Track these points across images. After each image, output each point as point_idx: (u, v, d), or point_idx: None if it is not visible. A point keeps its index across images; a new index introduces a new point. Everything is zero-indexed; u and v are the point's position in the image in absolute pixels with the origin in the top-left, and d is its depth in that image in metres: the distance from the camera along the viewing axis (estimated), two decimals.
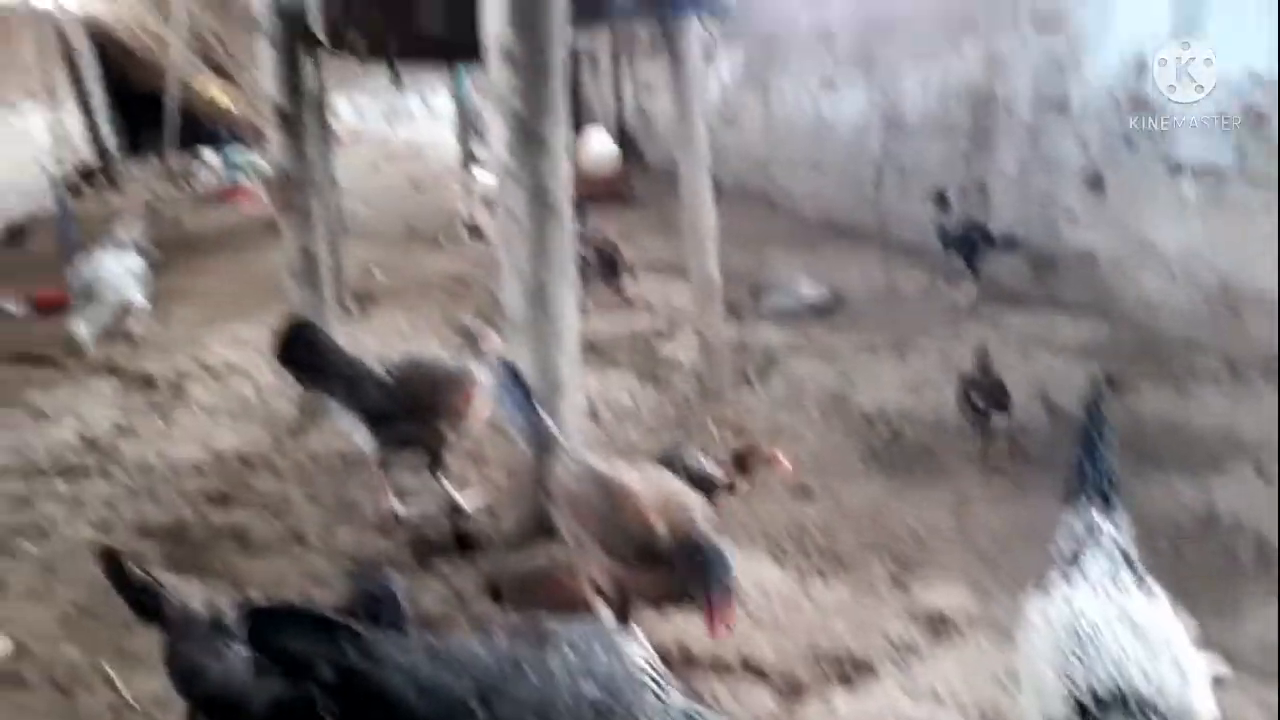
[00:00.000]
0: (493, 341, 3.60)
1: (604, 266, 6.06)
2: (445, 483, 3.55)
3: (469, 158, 9.40)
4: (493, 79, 2.94)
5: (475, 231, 8.23)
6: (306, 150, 4.30)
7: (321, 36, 3.79)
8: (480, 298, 6.35)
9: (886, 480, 3.90)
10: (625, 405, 4.65)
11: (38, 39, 10.87)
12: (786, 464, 3.19)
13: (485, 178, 9.60)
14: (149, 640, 2.66)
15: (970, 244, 5.76)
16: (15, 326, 6.01)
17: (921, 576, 3.21)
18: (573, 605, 2.79)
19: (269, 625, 1.78)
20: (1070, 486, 2.26)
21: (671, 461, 3.08)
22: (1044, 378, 4.63)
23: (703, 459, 3.20)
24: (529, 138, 2.89)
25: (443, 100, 8.68)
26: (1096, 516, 2.15)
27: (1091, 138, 5.53)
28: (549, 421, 2.76)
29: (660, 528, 2.43)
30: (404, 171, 10.14)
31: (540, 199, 2.93)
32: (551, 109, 2.90)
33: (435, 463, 3.57)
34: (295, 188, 4.29)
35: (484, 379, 3.55)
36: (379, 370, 3.50)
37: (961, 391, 4.02)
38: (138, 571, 2.29)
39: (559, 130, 2.95)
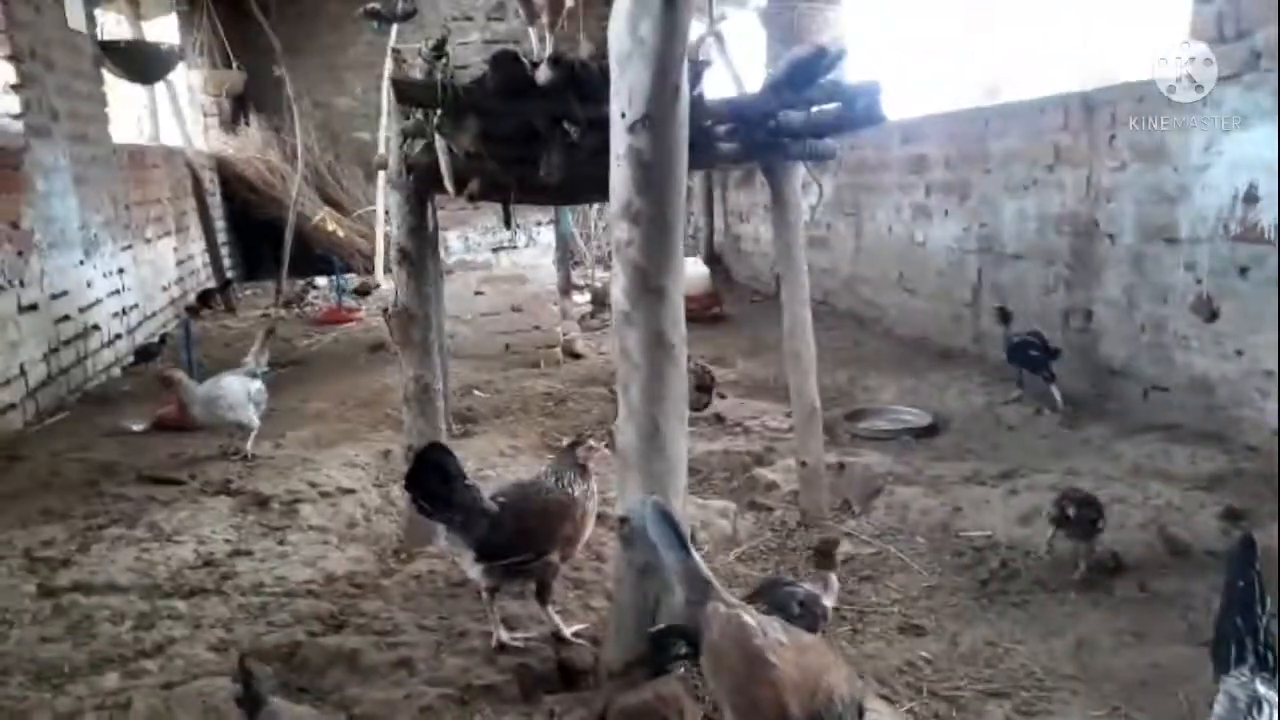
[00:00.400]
0: (600, 455, 3.64)
1: (696, 389, 6.12)
2: (552, 612, 3.56)
3: (568, 284, 9.72)
4: (615, 234, 3.07)
5: (572, 354, 8.43)
6: (426, 288, 4.51)
7: (449, 187, 4.02)
8: (578, 417, 6.45)
9: (1000, 618, 3.78)
10: (725, 531, 4.63)
11: (170, 173, 11.78)
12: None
13: (581, 302, 9.92)
14: None
15: (1028, 354, 6.08)
16: (140, 446, 6.30)
17: None
18: None
19: None
20: (1220, 648, 2.12)
21: (776, 588, 3.04)
22: (1160, 510, 4.46)
23: (810, 586, 3.17)
24: (648, 288, 2.99)
25: (545, 232, 9.04)
26: (1262, 689, 2.00)
27: (1202, 265, 5.45)
28: (703, 564, 2.71)
29: (795, 712, 2.30)
30: (505, 295, 10.52)
31: (657, 342, 3.01)
32: (671, 261, 3.01)
33: (543, 592, 3.59)
34: (414, 322, 4.49)
35: (591, 502, 3.60)
36: (490, 503, 3.55)
37: (1055, 503, 4.04)
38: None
39: (677, 281, 3.05)
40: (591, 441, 3.73)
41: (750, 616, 2.53)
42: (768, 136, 4.37)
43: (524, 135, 3.97)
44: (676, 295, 3.10)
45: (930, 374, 7.26)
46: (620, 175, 3.03)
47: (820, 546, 3.46)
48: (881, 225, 9.20)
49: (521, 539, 3.48)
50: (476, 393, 7.41)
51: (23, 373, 6.97)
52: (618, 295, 3.10)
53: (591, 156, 3.83)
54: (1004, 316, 6.31)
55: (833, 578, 3.35)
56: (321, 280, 12.77)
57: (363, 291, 11.97)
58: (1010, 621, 3.74)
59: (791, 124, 4.29)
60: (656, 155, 2.95)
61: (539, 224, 8.94)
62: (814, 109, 4.27)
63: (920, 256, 8.50)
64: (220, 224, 13.91)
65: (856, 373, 7.19)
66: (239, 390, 5.94)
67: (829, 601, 3.23)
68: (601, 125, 3.58)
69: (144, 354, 8.67)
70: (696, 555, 2.71)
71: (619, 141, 3.01)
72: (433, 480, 3.50)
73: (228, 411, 5.89)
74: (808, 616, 3.01)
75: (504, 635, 3.53)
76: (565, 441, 3.76)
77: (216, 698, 3.19)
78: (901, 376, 7.22)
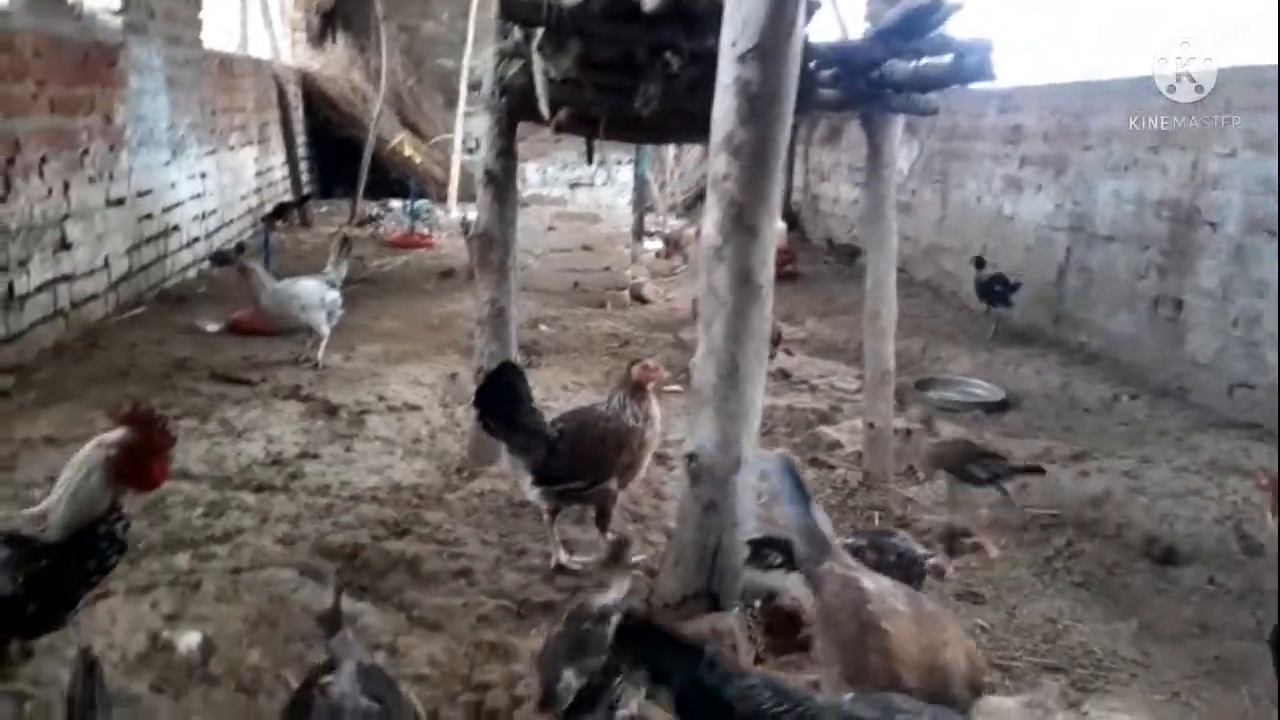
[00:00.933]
0: (659, 377, 3.63)
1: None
2: (611, 540, 3.58)
3: (640, 229, 9.66)
4: (713, 167, 3.01)
5: (639, 298, 8.40)
6: (508, 213, 4.50)
7: (543, 111, 3.98)
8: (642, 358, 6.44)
9: (1061, 596, 3.71)
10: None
11: (256, 84, 11.89)
12: (994, 549, 3.06)
13: (651, 248, 9.86)
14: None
15: (994, 289, 7.40)
16: (214, 346, 6.44)
17: (1100, 703, 3.02)
18: None
19: (638, 638, 2.08)
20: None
21: (880, 544, 3.02)
22: (1236, 507, 4.34)
23: (911, 541, 3.14)
24: (741, 223, 2.94)
25: (623, 172, 8.97)
26: None
27: None
28: (824, 523, 2.69)
29: (907, 681, 2.23)
30: (577, 233, 10.53)
31: (744, 280, 2.97)
32: (767, 198, 2.95)
33: (602, 518, 3.61)
34: (494, 246, 4.49)
35: (650, 431, 3.59)
36: (551, 428, 3.57)
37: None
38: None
39: (771, 220, 2.99)
40: (650, 361, 3.71)
41: (869, 581, 2.46)
42: (871, 86, 4.25)
43: (623, 63, 3.91)
44: (769, 235, 3.04)
45: (1005, 350, 7.11)
46: (724, 106, 2.96)
47: (949, 531, 3.33)
48: (969, 195, 8.97)
49: (579, 465, 3.51)
50: (542, 327, 7.44)
51: (107, 265, 7.14)
52: (709, 230, 3.05)
53: (689, 90, 3.77)
54: (979, 263, 7.53)
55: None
56: (395, 203, 12.86)
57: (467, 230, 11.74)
58: (1071, 600, 3.67)
59: (896, 75, 4.17)
60: (765, 87, 2.88)
61: (618, 163, 8.88)
62: (922, 61, 4.14)
63: (1007, 231, 8.27)
64: (301, 139, 14.04)
65: (929, 342, 7.06)
66: (313, 292, 6.04)
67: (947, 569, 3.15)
68: (703, 58, 3.51)
69: (220, 259, 8.84)
70: (818, 512, 2.69)
71: (727, 71, 2.94)
72: (501, 400, 3.54)
73: (299, 311, 6.02)
74: (904, 571, 2.96)
75: (563, 557, 3.57)
76: (626, 366, 3.74)
77: (281, 587, 3.27)
78: (975, 350, 7.09)
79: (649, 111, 3.90)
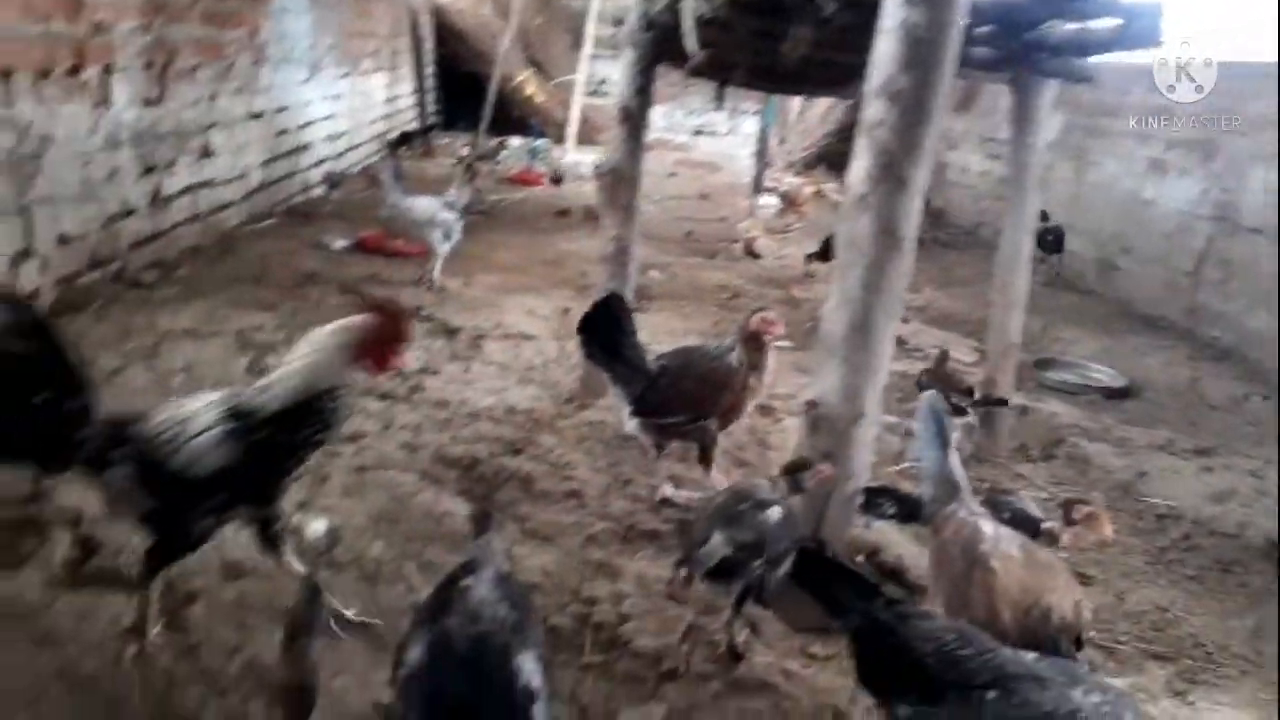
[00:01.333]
0: (776, 329, 3.62)
1: None
2: (716, 474, 3.61)
3: (759, 182, 9.56)
4: (867, 113, 2.96)
5: (751, 253, 8.35)
6: (639, 151, 4.51)
7: (689, 49, 3.96)
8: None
9: (1173, 587, 3.61)
10: (892, 446, 4.56)
11: (390, 12, 12.09)
12: (1109, 528, 3.00)
13: (768, 204, 9.76)
14: (443, 555, 2.91)
15: (1047, 239, 7.72)
16: (340, 262, 6.67)
17: (1207, 696, 2.95)
18: None
19: (818, 569, 2.14)
20: None
21: (996, 502, 2.99)
22: None
23: (1028, 502, 3.12)
24: (891, 172, 2.89)
25: (749, 124, 8.86)
26: None
27: None
28: (959, 468, 2.72)
29: (1005, 618, 2.27)
30: (696, 181, 10.49)
31: (889, 233, 2.92)
32: (921, 149, 2.89)
33: (705, 455, 3.65)
34: (623, 184, 4.51)
35: (756, 377, 3.59)
36: (652, 363, 3.63)
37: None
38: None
39: (922, 172, 2.94)
40: (770, 314, 3.71)
41: (988, 525, 2.51)
42: (1027, 48, 4.10)
43: (773, 6, 3.85)
44: (918, 187, 2.98)
45: (1130, 337, 6.85)
46: (885, 50, 2.90)
47: (1069, 501, 3.31)
48: (1107, 174, 8.60)
49: (677, 401, 3.55)
50: (653, 273, 7.45)
51: (243, 176, 7.43)
52: (855, 178, 3.01)
53: (838, 36, 3.70)
54: (1044, 217, 7.24)
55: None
56: (515, 140, 12.98)
57: (555, 180, 11.74)
58: (1183, 592, 3.57)
59: (1056, 37, 4.00)
60: (930, 32, 2.81)
61: (745, 113, 8.75)
62: (1086, 23, 3.97)
63: (1145, 215, 7.92)
64: (428, 69, 14.26)
65: (1050, 322, 6.85)
66: (430, 209, 6.26)
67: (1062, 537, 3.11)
68: (857, 3, 3.44)
69: (332, 181, 9.08)
70: (954, 458, 2.70)
71: (891, 13, 2.88)
72: (605, 329, 3.61)
73: (412, 225, 6.28)
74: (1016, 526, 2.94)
75: (668, 490, 3.63)
76: (747, 314, 3.74)
77: (402, 489, 3.42)
78: (1098, 334, 6.85)
79: (795, 56, 3.85)
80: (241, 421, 2.38)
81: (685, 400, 3.56)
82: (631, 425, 3.65)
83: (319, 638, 2.03)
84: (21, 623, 2.52)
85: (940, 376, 4.48)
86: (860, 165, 2.99)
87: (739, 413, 3.70)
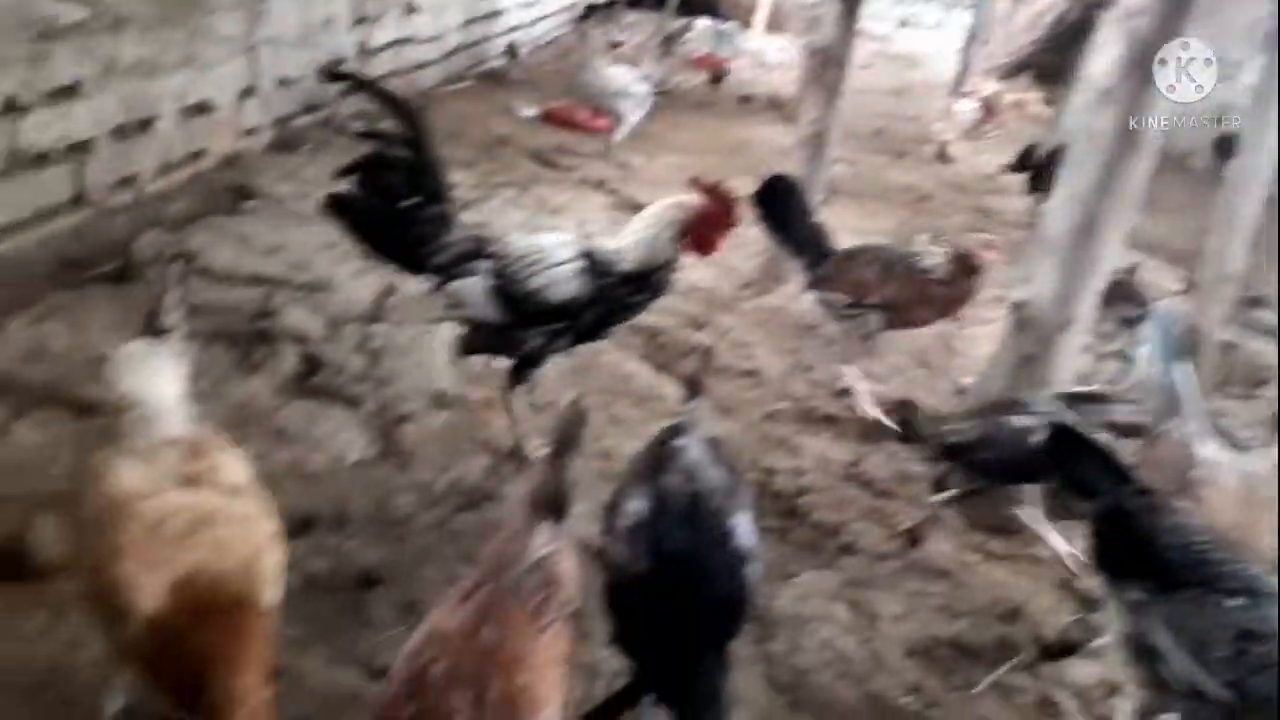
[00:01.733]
0: (991, 255, 3.49)
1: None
2: (849, 371, 3.58)
3: (960, 83, 9.08)
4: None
5: (943, 157, 8.00)
6: (850, 30, 4.35)
7: None
8: (945, 218, 6.22)
9: None
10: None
11: None
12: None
13: (966, 108, 9.27)
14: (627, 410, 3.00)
15: None
16: (530, 130, 6.78)
17: None
18: None
19: (1071, 447, 2.14)
20: None
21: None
22: None
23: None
24: (1145, 65, 2.70)
25: (958, 18, 8.35)
26: None
27: None
28: (1185, 385, 2.62)
29: None
30: (893, 76, 10.08)
31: (1131, 131, 2.75)
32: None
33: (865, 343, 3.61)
34: (831, 63, 4.38)
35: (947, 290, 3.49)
36: (827, 243, 3.67)
37: None
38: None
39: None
40: (995, 241, 3.59)
41: (1208, 449, 2.44)
42: None
43: None
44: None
45: None
46: None
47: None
48: None
49: (842, 281, 3.53)
50: (839, 167, 7.24)
51: (441, 36, 7.57)
52: (1101, 70, 2.84)
53: None
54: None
55: None
56: (701, 23, 12.68)
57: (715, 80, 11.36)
58: None
59: None
60: None
61: (956, 4, 8.21)
62: None
63: None
64: None
65: (1265, 261, 6.32)
66: (624, 77, 6.32)
67: None
68: None
69: (514, 51, 9.10)
70: (1180, 373, 2.60)
71: None
72: (779, 200, 3.66)
73: (599, 93, 6.35)
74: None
75: (850, 376, 3.61)
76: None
77: (591, 348, 3.52)
78: None
79: None
80: (596, 267, 2.57)
81: (857, 286, 3.53)
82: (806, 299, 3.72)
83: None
84: (257, 422, 2.77)
85: (1125, 291, 4.21)
86: (1107, 57, 2.82)
87: (916, 312, 3.59)
